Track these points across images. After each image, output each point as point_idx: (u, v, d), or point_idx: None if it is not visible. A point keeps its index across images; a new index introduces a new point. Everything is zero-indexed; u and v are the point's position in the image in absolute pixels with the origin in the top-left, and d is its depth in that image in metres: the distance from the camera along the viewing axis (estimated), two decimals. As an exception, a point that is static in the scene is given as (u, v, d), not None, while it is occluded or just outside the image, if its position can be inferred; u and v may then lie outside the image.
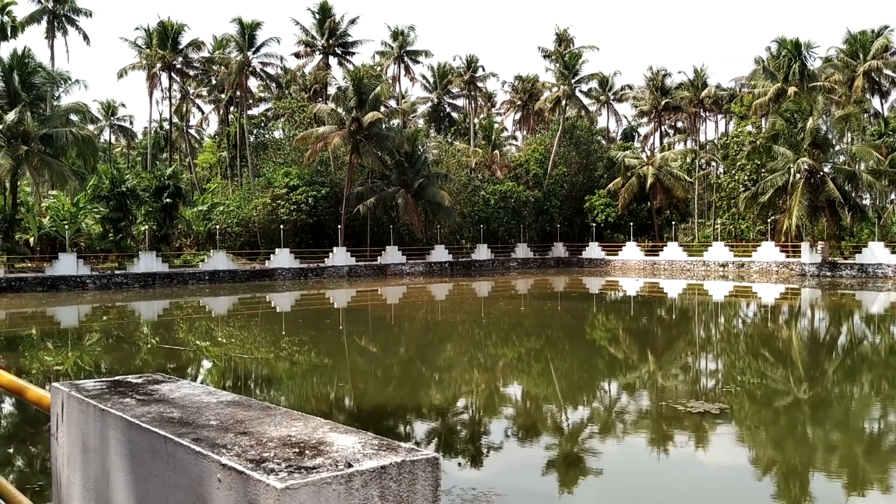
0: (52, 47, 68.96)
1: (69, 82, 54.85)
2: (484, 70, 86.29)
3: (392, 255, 62.71)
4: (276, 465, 1.34)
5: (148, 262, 51.59)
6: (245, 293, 48.57)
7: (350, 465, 1.33)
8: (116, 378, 2.11)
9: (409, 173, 62.71)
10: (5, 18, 66.12)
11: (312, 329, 31.12)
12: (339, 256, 59.88)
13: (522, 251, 71.12)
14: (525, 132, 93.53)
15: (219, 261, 54.96)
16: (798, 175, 54.68)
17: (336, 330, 31.63)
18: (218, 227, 60.16)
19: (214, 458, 1.38)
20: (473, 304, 43.40)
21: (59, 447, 2.03)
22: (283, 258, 57.59)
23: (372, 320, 35.01)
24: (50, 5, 68.41)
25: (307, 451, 1.41)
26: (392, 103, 73.95)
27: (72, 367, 21.70)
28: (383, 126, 61.57)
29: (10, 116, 47.45)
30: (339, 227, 61.46)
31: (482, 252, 67.96)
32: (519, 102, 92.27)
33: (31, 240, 53.45)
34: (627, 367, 22.02)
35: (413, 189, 61.73)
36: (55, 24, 69.13)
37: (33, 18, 68.03)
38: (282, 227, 59.37)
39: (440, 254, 65.14)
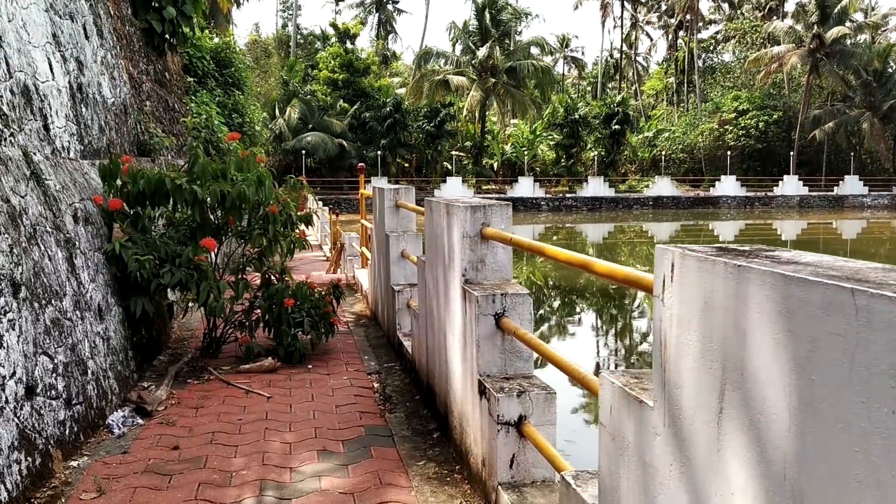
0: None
1: (530, 17, 58.54)
2: None
3: (851, 185, 56.26)
4: None
5: (595, 187, 53.66)
6: (687, 220, 47.92)
7: None
8: (719, 245, 2.03)
9: (876, 94, 55.17)
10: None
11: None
12: (790, 185, 55.58)
13: None
14: None
15: (662, 187, 54.90)
16: None
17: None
18: (662, 153, 59.89)
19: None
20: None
21: (665, 308, 2.02)
22: (727, 186, 55.36)
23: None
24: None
25: None
26: (858, 17, 65.12)
27: (525, 281, 23.59)
28: (848, 42, 54.72)
29: (482, 52, 52.45)
30: (791, 153, 56.90)
31: (972, 185, 57.43)
32: None
33: (495, 164, 59.09)
34: None
35: (881, 112, 54.25)
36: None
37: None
38: (728, 153, 56.90)
39: (913, 185, 56.67)
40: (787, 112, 59.02)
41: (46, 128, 6.21)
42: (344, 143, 51.97)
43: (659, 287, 2.08)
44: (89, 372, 5.19)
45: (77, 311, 5.26)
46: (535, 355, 4.12)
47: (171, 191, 6.42)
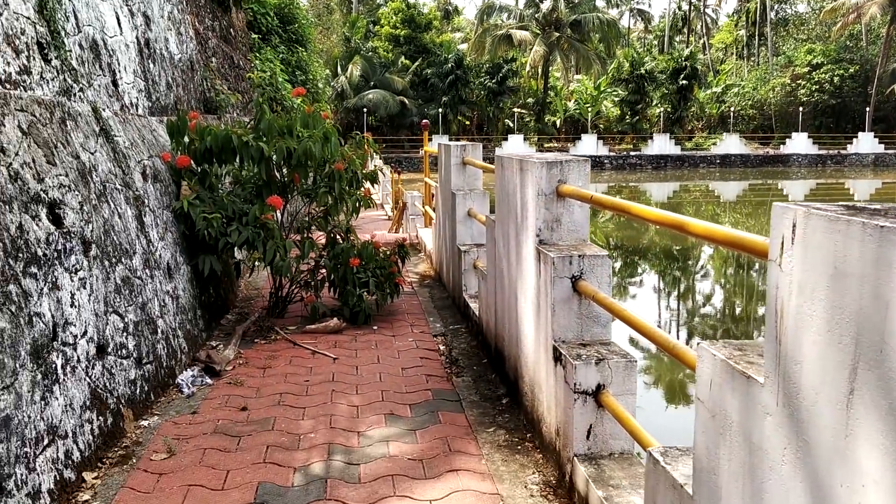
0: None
1: (595, -32, 56.86)
2: None
3: (930, 143, 53.79)
4: None
5: (661, 145, 52.37)
6: (755, 179, 46.52)
7: None
8: (846, 203, 1.81)
9: (968, 45, 52.28)
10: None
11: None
12: (865, 143, 53.35)
13: None
14: None
15: (730, 144, 53.33)
16: None
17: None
18: (731, 109, 58.03)
19: None
20: None
21: (783, 274, 1.81)
22: (799, 143, 53.47)
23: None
24: None
25: None
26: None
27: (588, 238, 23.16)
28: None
29: (546, 5, 51.32)
30: (867, 109, 54.51)
31: None
32: None
33: (558, 122, 58.11)
34: None
35: (971, 64, 51.44)
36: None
37: None
38: (800, 109, 54.81)
39: None
40: (863, 66, 56.43)
41: (115, 83, 6.18)
42: (405, 100, 51.70)
43: (776, 250, 1.86)
44: (159, 331, 5.20)
45: (146, 270, 5.25)
46: (612, 320, 3.93)
47: (238, 147, 6.35)
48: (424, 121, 12.22)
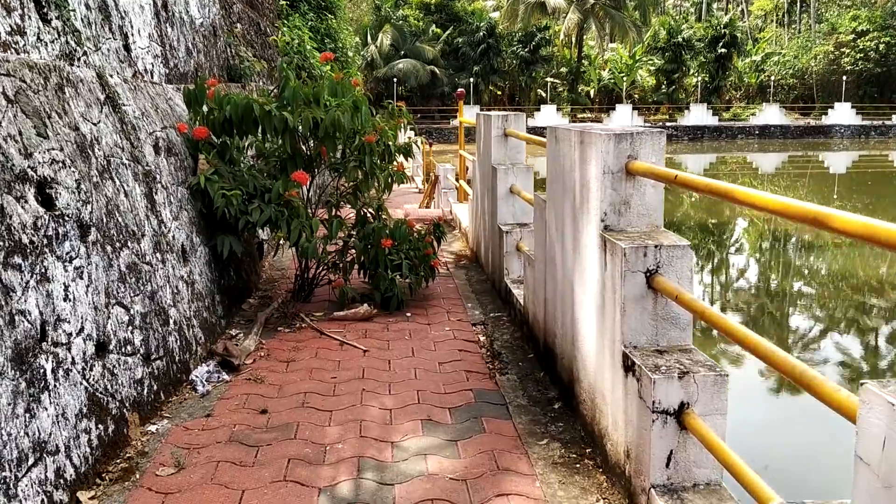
0: None
1: (632, -68, 55.12)
2: None
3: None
4: None
5: (698, 115, 51.04)
6: (795, 150, 45.22)
7: None
8: None
9: None
10: None
11: (871, 195, 27.31)
12: (911, 113, 51.59)
13: None
14: None
15: (770, 115, 51.81)
16: None
17: (913, 197, 27.24)
18: (771, 78, 56.32)
19: None
20: None
21: None
22: (841, 113, 51.81)
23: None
24: None
25: None
26: None
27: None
28: None
29: (581, -31, 49.86)
30: (916, 79, 52.65)
31: None
32: None
33: (592, 92, 56.83)
34: None
35: None
36: None
37: None
38: (843, 78, 53.00)
39: None
40: (911, 33, 54.45)
41: (127, 48, 5.63)
42: (436, 69, 50.77)
43: None
44: (171, 321, 4.69)
45: (157, 254, 4.73)
46: (692, 322, 3.34)
47: (260, 117, 5.79)
48: (460, 90, 11.56)
